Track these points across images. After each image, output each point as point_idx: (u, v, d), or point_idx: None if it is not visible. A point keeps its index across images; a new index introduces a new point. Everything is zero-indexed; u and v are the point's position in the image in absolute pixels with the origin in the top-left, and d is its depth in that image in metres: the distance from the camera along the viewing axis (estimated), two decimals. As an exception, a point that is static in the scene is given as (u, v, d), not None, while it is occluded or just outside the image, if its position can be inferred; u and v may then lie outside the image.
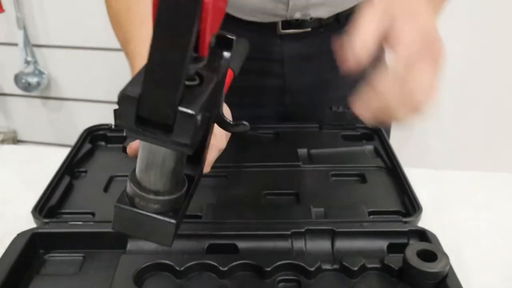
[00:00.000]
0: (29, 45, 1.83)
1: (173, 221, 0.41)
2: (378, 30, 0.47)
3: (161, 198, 0.41)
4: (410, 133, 1.52)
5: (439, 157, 1.57)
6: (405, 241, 0.65)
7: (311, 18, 0.85)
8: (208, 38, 0.34)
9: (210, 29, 0.33)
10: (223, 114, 0.45)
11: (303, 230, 0.65)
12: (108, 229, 0.64)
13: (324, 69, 0.91)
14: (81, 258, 0.64)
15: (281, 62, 0.91)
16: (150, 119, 0.35)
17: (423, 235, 0.65)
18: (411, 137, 1.56)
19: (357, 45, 0.47)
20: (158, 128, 0.35)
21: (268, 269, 0.60)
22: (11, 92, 1.97)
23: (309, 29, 0.87)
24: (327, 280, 0.60)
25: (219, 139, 0.56)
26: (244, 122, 0.47)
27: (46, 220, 0.68)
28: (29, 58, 1.84)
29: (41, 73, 1.88)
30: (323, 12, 0.86)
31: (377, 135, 0.88)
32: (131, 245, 0.64)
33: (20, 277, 0.61)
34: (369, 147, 0.85)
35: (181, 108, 0.34)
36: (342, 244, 0.65)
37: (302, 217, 0.68)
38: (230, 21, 0.86)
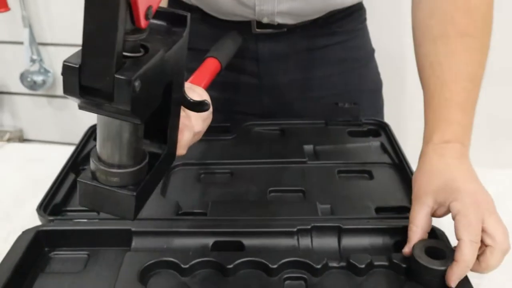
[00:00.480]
0: (35, 43, 1.83)
1: (133, 193, 0.42)
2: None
3: (119, 171, 0.42)
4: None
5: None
6: (412, 238, 0.64)
7: (278, 24, 0.85)
8: (142, 9, 0.36)
9: (142, 0, 0.35)
10: (185, 93, 0.47)
11: (309, 227, 0.64)
12: (113, 226, 0.65)
13: (301, 68, 0.91)
14: (86, 256, 0.64)
15: (256, 61, 0.90)
16: (92, 88, 0.36)
17: (431, 232, 0.64)
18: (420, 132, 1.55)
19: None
20: (100, 97, 0.37)
21: (274, 266, 0.59)
22: (16, 90, 1.98)
23: (285, 30, 0.87)
24: (333, 278, 0.60)
25: (193, 121, 0.56)
26: (206, 101, 0.49)
27: (51, 218, 0.68)
28: (35, 57, 1.84)
29: (46, 71, 1.88)
30: (290, 19, 0.85)
31: (384, 131, 0.87)
32: (136, 242, 0.64)
33: (25, 275, 0.61)
34: (375, 143, 0.85)
35: (117, 75, 0.35)
36: (348, 241, 0.64)
37: (308, 214, 0.68)
38: (207, 19, 0.86)
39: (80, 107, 0.39)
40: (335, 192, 0.74)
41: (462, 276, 0.56)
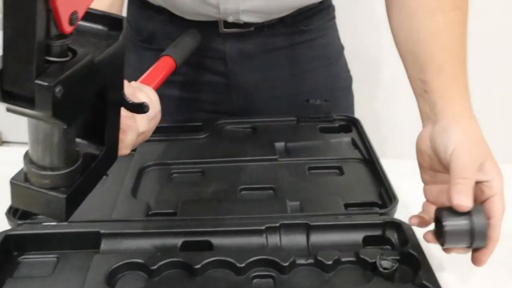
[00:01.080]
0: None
1: (62, 196, 0.42)
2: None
3: (50, 173, 0.42)
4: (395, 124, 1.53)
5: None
6: (380, 233, 0.65)
7: (244, 23, 0.85)
8: (65, 15, 0.35)
9: (64, 6, 0.35)
10: (124, 95, 0.47)
11: (277, 224, 0.64)
12: (81, 229, 0.65)
13: (270, 66, 0.91)
14: (55, 259, 0.64)
15: (224, 60, 0.90)
16: (14, 93, 0.36)
17: (399, 227, 0.65)
18: (397, 128, 1.57)
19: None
20: (22, 101, 0.36)
21: (242, 265, 0.59)
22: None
23: (252, 29, 0.87)
24: (301, 275, 0.60)
25: (138, 121, 0.56)
26: (145, 103, 0.50)
27: (20, 222, 0.67)
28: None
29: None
30: (256, 17, 0.85)
31: (355, 127, 0.88)
32: (104, 244, 0.64)
33: (-7, 280, 0.60)
34: (346, 139, 0.85)
35: (37, 81, 0.35)
36: (317, 238, 0.64)
37: (277, 211, 0.68)
38: (174, 20, 0.86)
39: (8, 110, 0.38)
40: (305, 189, 0.74)
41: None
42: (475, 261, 0.57)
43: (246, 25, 0.85)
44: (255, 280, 0.60)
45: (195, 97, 0.94)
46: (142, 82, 0.66)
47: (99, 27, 0.42)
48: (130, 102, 0.48)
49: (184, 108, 0.94)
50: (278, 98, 0.93)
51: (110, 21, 0.42)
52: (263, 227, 0.64)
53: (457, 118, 0.60)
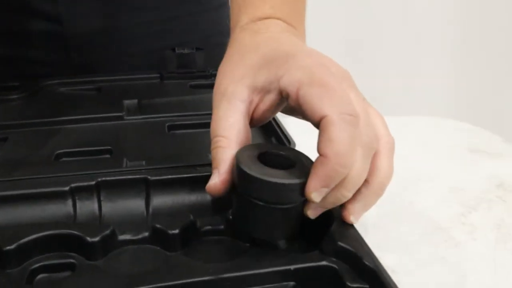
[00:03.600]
0: None
1: None
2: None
3: None
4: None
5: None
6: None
7: None
8: None
9: None
10: None
11: (93, 182, 0.38)
12: None
13: (113, 11, 0.67)
14: None
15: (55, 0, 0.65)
16: None
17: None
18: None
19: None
20: None
21: (10, 247, 0.32)
22: None
23: None
24: (126, 258, 0.33)
25: None
26: None
27: None
28: None
29: None
30: None
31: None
32: None
33: None
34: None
35: None
36: (159, 200, 0.38)
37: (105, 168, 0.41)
38: None
39: None
40: (159, 150, 0.49)
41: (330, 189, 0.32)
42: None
43: None
44: (39, 277, 0.33)
45: (19, 54, 0.67)
46: None
47: None
48: None
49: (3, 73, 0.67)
50: (137, 51, 0.68)
51: None
52: (67, 188, 0.37)
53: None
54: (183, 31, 0.70)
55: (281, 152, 0.35)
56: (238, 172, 0.33)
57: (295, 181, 0.32)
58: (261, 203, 0.32)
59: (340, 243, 0.33)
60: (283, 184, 0.32)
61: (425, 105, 1.57)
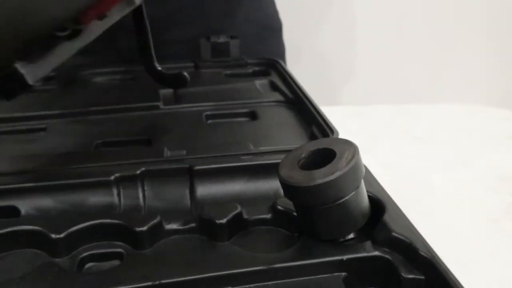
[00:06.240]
0: None
1: None
2: None
3: None
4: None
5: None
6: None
7: None
8: None
9: None
10: None
11: (138, 172, 0.38)
12: None
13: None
14: None
15: None
16: None
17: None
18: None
19: None
20: None
21: (59, 236, 0.32)
22: None
23: None
24: (173, 247, 0.33)
25: None
26: None
27: None
28: None
29: None
30: None
31: (274, 69, 0.63)
32: None
33: None
34: (262, 81, 0.60)
35: None
36: (204, 189, 0.38)
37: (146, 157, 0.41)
38: None
39: None
40: (198, 139, 0.48)
41: None
42: None
43: None
44: (88, 265, 0.32)
45: None
46: None
47: None
48: None
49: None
50: (172, 41, 0.68)
51: None
52: (111, 178, 0.37)
53: None
54: (217, 18, 0.69)
55: (319, 148, 0.34)
56: (281, 185, 0.32)
57: (336, 175, 0.30)
58: (312, 206, 0.31)
59: (393, 233, 0.32)
60: (324, 183, 0.30)
61: (468, 93, 1.53)
